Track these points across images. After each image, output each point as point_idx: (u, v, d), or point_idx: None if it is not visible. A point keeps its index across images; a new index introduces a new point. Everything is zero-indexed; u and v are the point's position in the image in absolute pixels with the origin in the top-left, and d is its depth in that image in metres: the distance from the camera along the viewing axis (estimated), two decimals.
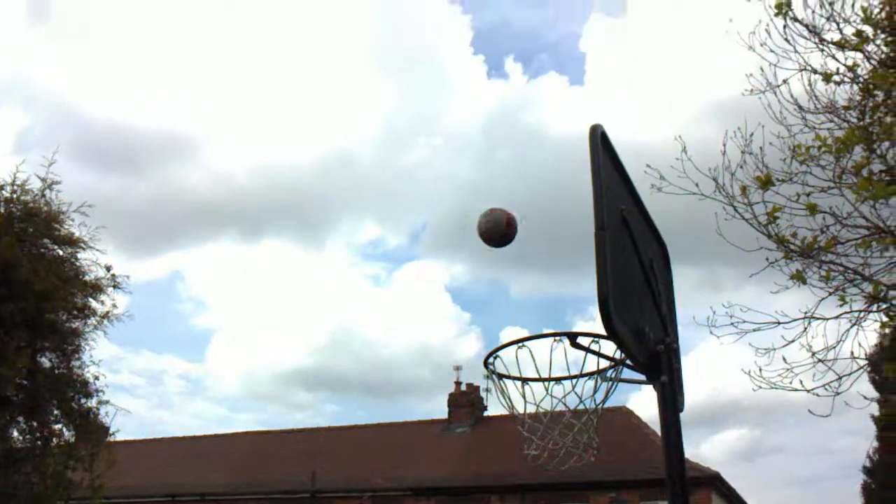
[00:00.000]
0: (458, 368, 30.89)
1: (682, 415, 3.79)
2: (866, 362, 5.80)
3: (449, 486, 23.99)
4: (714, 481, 21.70)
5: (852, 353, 5.61)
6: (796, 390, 5.62)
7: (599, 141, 3.58)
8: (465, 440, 27.54)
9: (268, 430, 32.08)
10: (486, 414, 29.21)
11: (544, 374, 4.01)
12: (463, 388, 29.37)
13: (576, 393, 3.99)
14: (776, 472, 75.08)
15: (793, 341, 5.65)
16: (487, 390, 29.69)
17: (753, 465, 75.37)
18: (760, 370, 5.65)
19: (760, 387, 5.72)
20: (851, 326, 5.67)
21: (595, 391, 3.96)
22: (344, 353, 79.72)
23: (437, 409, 71.60)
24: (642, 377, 3.80)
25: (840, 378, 5.62)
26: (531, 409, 4.09)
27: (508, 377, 4.09)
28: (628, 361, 3.78)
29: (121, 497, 26.38)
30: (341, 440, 29.32)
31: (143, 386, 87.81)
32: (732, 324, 5.71)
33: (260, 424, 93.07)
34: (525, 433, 4.18)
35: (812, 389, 5.63)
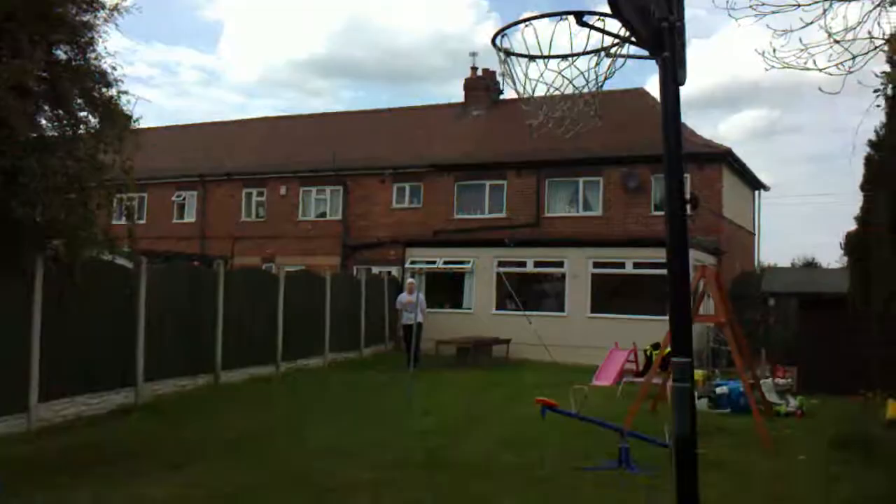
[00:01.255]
0: (474, 55, 30.85)
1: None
2: (884, 42, 5.71)
3: (468, 163, 24.95)
4: (726, 157, 22.36)
5: (870, 33, 5.52)
6: (808, 69, 5.61)
7: None
8: (482, 122, 28.09)
9: (291, 114, 32.68)
10: (501, 97, 29.48)
11: (551, 52, 4.12)
12: (479, 73, 29.47)
13: (577, 68, 4.13)
14: (791, 150, 76.21)
15: (811, 23, 5.54)
16: (503, 75, 29.72)
17: (770, 143, 76.33)
18: (774, 51, 5.61)
19: (773, 66, 5.70)
20: (874, 8, 5.52)
21: (597, 64, 4.10)
22: (359, 41, 78.47)
23: (454, 94, 71.87)
24: (646, 53, 3.96)
25: (854, 58, 5.59)
26: (534, 85, 4.24)
27: (515, 54, 4.23)
28: (633, 39, 3.90)
29: (154, 179, 27.81)
30: (362, 123, 29.99)
31: (158, 77, 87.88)
32: (751, 6, 5.56)
33: (277, 111, 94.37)
34: (528, 108, 4.38)
35: (825, 68, 5.62)
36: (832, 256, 48.69)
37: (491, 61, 31.19)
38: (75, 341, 10.73)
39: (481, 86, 29.19)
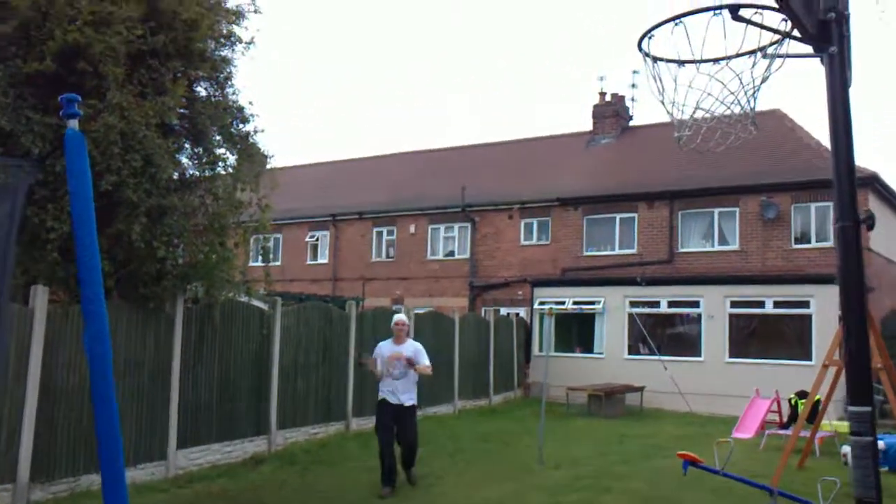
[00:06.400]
0: (601, 79, 30.17)
1: None
2: None
3: (596, 195, 24.27)
4: (872, 182, 20.96)
5: None
6: None
7: None
8: (611, 150, 27.44)
9: (419, 150, 33.03)
10: (631, 124, 28.85)
11: (702, 55, 3.74)
12: (607, 98, 28.77)
13: (732, 70, 3.72)
14: None
15: None
16: (633, 100, 29.16)
17: None
18: None
19: None
20: None
21: (754, 66, 3.67)
22: None
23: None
24: (807, 50, 3.53)
25: None
26: (685, 92, 3.86)
27: (662, 59, 3.83)
28: (794, 33, 3.48)
29: (286, 218, 28.48)
30: (489, 156, 29.86)
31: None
32: None
33: None
34: (676, 118, 3.99)
35: None
36: None
37: (620, 86, 30.47)
38: (211, 386, 10.81)
39: (610, 112, 28.49)
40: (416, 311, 17.22)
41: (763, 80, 3.74)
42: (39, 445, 8.29)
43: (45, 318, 8.43)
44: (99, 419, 3.22)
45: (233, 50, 10.74)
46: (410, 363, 9.53)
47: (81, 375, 8.66)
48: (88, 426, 8.62)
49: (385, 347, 9.90)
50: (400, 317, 10.20)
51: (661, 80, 3.93)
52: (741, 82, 3.75)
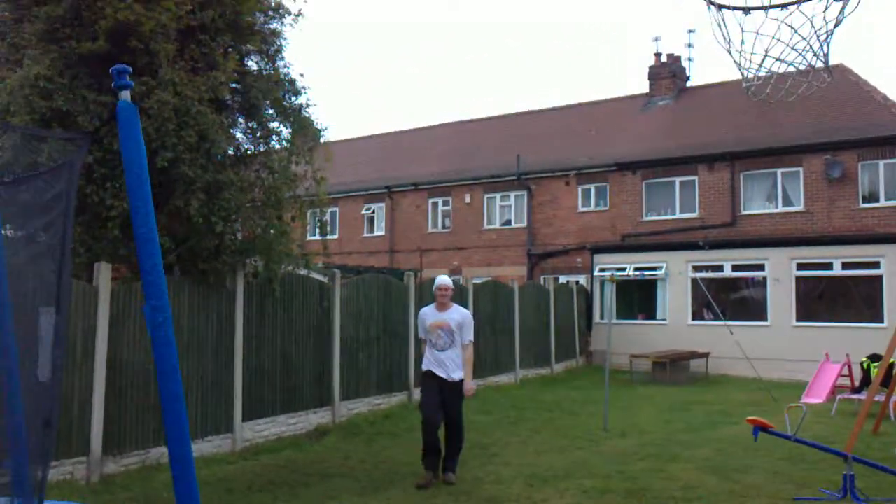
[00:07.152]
0: (656, 39, 29.49)
1: None
2: None
3: (654, 159, 23.77)
4: None
5: None
6: None
7: None
8: (669, 112, 26.84)
9: (473, 118, 32.80)
10: (688, 84, 28.16)
11: (770, 0, 3.52)
12: (663, 59, 28.11)
13: (804, 13, 3.48)
14: None
15: None
16: (690, 60, 28.49)
17: None
18: None
19: None
20: None
21: (826, 9, 3.43)
22: None
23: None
24: None
25: None
26: (753, 39, 3.63)
27: (728, 7, 3.62)
28: None
29: (342, 191, 28.58)
30: (543, 122, 29.48)
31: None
32: None
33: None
34: (743, 69, 3.77)
35: None
36: None
37: (676, 45, 29.70)
38: (274, 358, 10.88)
39: (666, 73, 27.84)
40: (475, 282, 17.11)
41: (837, 24, 3.49)
42: (110, 419, 8.45)
43: (109, 294, 8.56)
44: (163, 388, 3.20)
45: (282, 22, 10.68)
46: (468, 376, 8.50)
47: (146, 350, 8.76)
48: (155, 400, 8.73)
49: (428, 314, 8.68)
50: (444, 280, 8.82)
51: (726, 28, 3.69)
52: (813, 27, 3.50)
